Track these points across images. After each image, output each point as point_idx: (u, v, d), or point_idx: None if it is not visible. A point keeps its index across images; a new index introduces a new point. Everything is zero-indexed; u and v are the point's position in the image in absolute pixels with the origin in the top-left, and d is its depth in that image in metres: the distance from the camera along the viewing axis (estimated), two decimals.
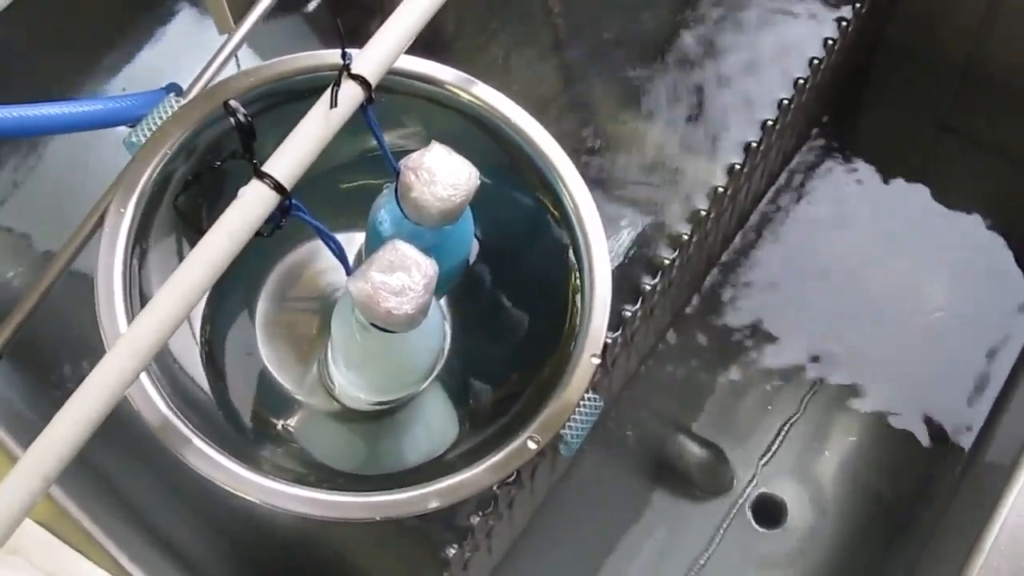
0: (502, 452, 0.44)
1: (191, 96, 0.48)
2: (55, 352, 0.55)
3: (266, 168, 0.38)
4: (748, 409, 0.72)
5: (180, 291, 0.36)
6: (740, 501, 0.70)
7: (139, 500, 0.46)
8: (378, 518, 0.42)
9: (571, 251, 0.49)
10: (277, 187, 0.38)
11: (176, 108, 0.48)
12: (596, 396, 0.46)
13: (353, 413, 0.51)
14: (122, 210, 0.45)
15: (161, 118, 0.48)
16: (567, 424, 0.45)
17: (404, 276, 0.41)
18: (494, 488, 0.46)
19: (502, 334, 0.51)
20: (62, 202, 0.61)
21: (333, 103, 0.39)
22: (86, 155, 0.62)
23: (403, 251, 0.41)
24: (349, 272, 0.42)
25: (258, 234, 0.39)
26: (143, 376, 0.43)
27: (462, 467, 0.43)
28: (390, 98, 0.51)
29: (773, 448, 0.71)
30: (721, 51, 0.61)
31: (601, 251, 0.48)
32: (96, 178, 0.52)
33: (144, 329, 0.35)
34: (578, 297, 0.48)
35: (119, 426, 0.39)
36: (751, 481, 0.70)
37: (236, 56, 0.51)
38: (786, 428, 0.71)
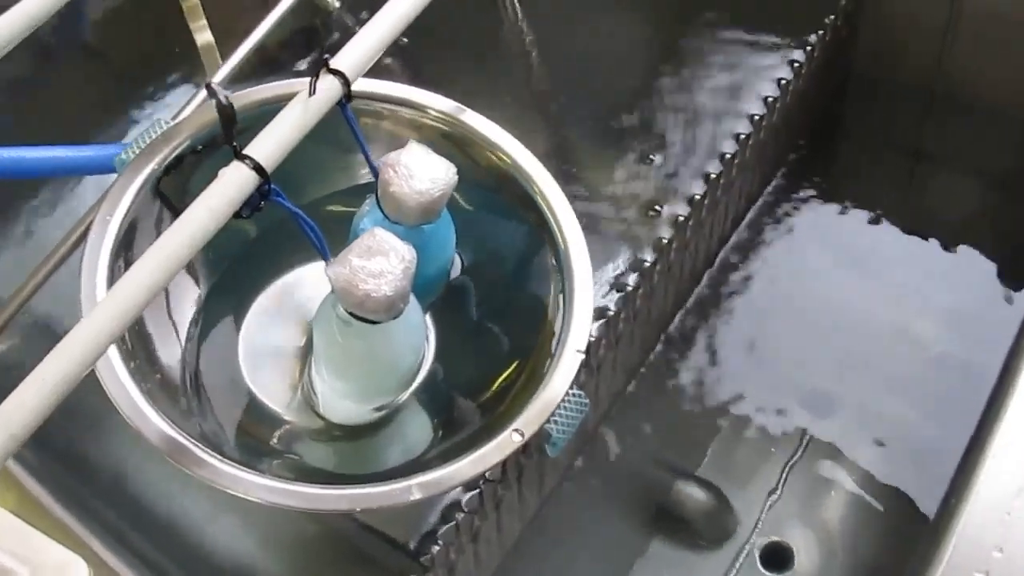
0: (486, 446, 0.43)
1: (180, 118, 0.50)
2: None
3: (247, 151, 0.40)
4: (747, 451, 0.70)
5: (159, 260, 0.36)
6: (746, 547, 0.68)
7: (108, 490, 0.45)
8: (358, 509, 0.41)
9: (551, 255, 0.50)
10: (257, 168, 0.39)
11: (165, 128, 0.50)
12: (582, 392, 0.45)
13: (335, 432, 0.50)
14: (108, 218, 0.46)
15: (151, 137, 0.50)
16: (552, 419, 0.44)
17: (383, 260, 0.42)
18: (479, 485, 0.45)
19: (484, 342, 0.51)
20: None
21: (311, 91, 0.41)
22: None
23: (381, 237, 0.42)
24: (327, 258, 0.42)
25: (237, 215, 0.39)
26: (134, 390, 0.43)
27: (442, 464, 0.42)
28: (376, 123, 0.53)
29: (777, 491, 0.69)
30: (683, 89, 0.64)
31: (580, 249, 0.48)
32: None
33: (121, 295, 0.35)
34: (561, 297, 0.48)
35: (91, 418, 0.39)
36: (756, 526, 0.68)
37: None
38: (787, 470, 0.70)
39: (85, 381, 0.40)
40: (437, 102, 0.53)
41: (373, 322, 0.42)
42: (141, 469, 0.46)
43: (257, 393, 0.51)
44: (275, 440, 0.50)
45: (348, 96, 0.43)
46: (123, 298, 0.35)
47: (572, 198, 0.49)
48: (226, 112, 0.39)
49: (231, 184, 0.38)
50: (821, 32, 0.62)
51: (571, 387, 0.45)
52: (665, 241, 0.54)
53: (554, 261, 0.49)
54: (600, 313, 0.52)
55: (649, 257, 0.53)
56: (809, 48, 0.62)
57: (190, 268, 0.52)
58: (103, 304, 0.35)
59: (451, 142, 0.52)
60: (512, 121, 0.51)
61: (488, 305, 0.51)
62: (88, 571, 0.33)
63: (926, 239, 0.76)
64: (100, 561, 0.38)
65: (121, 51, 0.75)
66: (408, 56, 0.66)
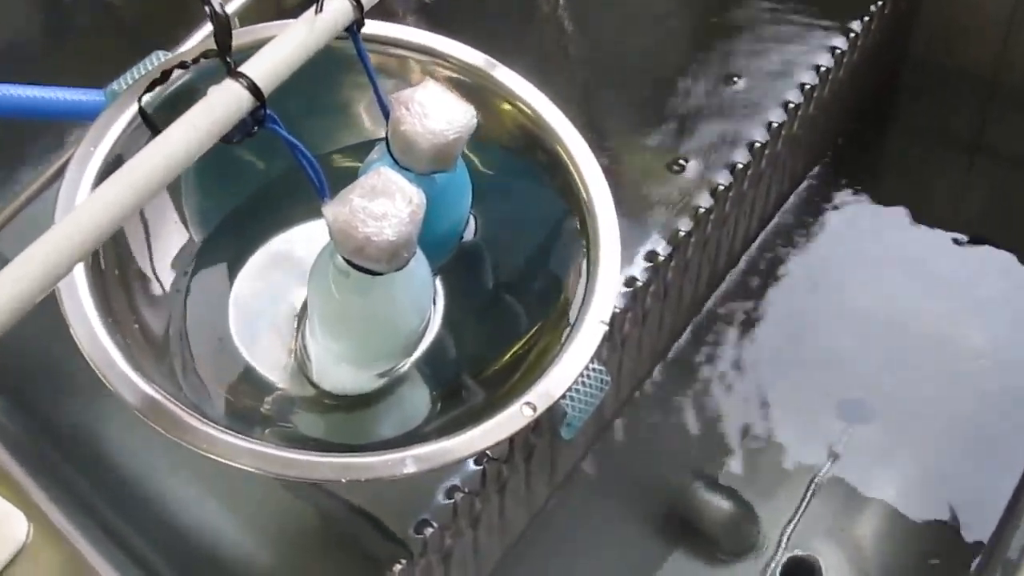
0: (493, 418, 0.38)
1: (180, 50, 0.47)
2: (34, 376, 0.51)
3: (242, 69, 0.36)
4: (775, 458, 0.65)
5: (131, 178, 0.32)
6: (770, 564, 0.63)
7: (71, 450, 0.41)
8: (344, 480, 0.36)
9: (576, 220, 0.45)
10: (252, 89, 0.35)
11: (162, 60, 0.46)
12: (603, 368, 0.41)
13: (327, 400, 0.46)
14: (92, 149, 0.42)
15: (146, 69, 0.46)
16: (568, 394, 0.39)
17: (387, 202, 0.37)
18: (483, 463, 0.40)
19: (498, 311, 0.46)
20: None
21: (319, 8, 0.37)
22: None
23: (388, 176, 0.38)
24: (325, 195, 0.38)
25: (227, 140, 0.35)
26: (107, 341, 0.39)
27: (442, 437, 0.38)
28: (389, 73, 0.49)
29: (804, 504, 0.64)
30: (728, 56, 0.60)
31: (608, 214, 0.44)
32: None
33: (89, 211, 0.31)
34: (584, 264, 0.44)
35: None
36: (781, 541, 0.63)
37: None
38: (818, 482, 0.64)
39: (57, 334, 0.37)
40: (467, 54, 0.49)
41: (374, 273, 0.38)
42: (112, 429, 0.42)
43: (246, 355, 0.47)
44: (264, 407, 0.46)
45: (360, 22, 0.39)
46: (90, 216, 0.31)
47: (603, 162, 0.45)
48: (220, 23, 0.35)
49: (220, 102, 0.34)
50: (880, 3, 0.57)
51: (591, 361, 0.40)
52: (703, 211, 0.49)
53: (579, 225, 0.45)
54: (628, 283, 0.48)
55: (684, 227, 0.49)
56: (867, 19, 0.57)
57: (183, 213, 0.48)
58: (63, 222, 0.30)
59: (473, 98, 0.48)
60: (542, 84, 0.47)
61: (504, 271, 0.47)
62: (28, 526, 0.28)
63: (979, 241, 0.71)
64: (46, 519, 0.33)
65: (136, 8, 0.72)
66: (432, 16, 0.63)
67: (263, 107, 0.36)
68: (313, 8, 0.37)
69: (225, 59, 0.35)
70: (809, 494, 0.64)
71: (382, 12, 0.47)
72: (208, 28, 0.51)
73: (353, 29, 0.39)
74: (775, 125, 0.55)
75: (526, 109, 0.48)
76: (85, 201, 0.31)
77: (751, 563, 0.62)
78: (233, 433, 0.37)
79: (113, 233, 0.32)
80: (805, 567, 0.62)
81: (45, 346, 0.36)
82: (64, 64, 0.65)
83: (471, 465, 0.42)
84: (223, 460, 0.35)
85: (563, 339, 0.41)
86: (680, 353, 0.65)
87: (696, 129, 0.57)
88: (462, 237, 0.47)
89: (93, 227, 0.31)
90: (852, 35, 0.58)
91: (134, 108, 0.44)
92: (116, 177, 0.32)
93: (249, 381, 0.46)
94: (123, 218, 0.31)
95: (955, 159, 0.74)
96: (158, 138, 0.33)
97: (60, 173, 0.42)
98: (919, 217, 0.73)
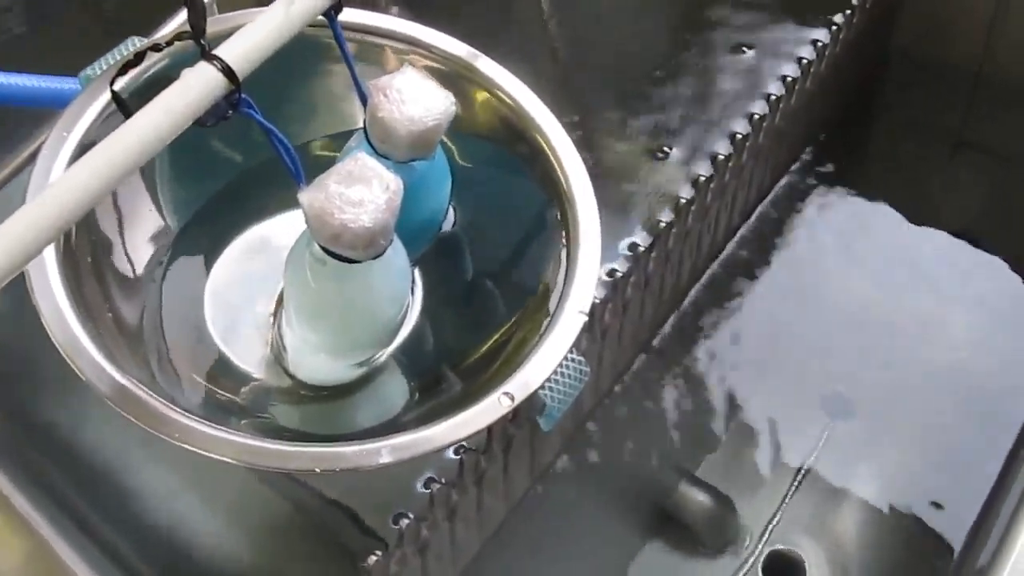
0: (470, 409, 0.38)
1: (156, 36, 0.46)
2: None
3: (217, 52, 0.35)
4: (756, 455, 0.65)
5: (105, 156, 0.31)
6: (750, 558, 0.62)
7: (43, 439, 0.40)
8: (318, 470, 0.36)
9: (556, 210, 0.45)
10: (226, 72, 0.35)
11: (138, 47, 0.45)
12: (583, 359, 0.40)
13: (303, 391, 0.45)
14: (65, 134, 0.42)
15: (122, 55, 0.45)
16: (547, 384, 0.39)
17: (364, 189, 0.37)
18: (460, 453, 0.40)
19: (477, 301, 0.46)
20: None
21: None
22: None
23: (365, 162, 0.37)
24: (300, 180, 0.37)
25: (200, 123, 0.35)
26: (77, 327, 0.38)
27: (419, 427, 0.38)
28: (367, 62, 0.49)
29: (786, 499, 0.64)
30: (710, 45, 0.60)
31: (588, 203, 0.43)
32: None
33: (61, 189, 0.30)
34: (564, 253, 0.43)
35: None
36: (762, 536, 0.63)
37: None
38: (800, 477, 0.64)
39: (27, 322, 0.36)
40: (448, 44, 0.48)
41: (351, 261, 0.38)
42: (83, 419, 0.41)
43: (222, 346, 0.46)
44: (240, 398, 0.45)
45: (338, 7, 0.39)
46: (60, 194, 0.30)
47: (584, 151, 0.44)
48: (195, 5, 0.34)
49: (194, 86, 0.34)
50: None
51: (571, 352, 0.40)
52: (684, 201, 0.49)
53: (559, 215, 0.45)
54: (608, 274, 0.47)
55: (665, 218, 0.48)
56: (848, 12, 0.57)
57: (158, 203, 0.47)
58: (34, 201, 0.30)
59: (454, 88, 0.48)
60: (524, 74, 0.47)
61: (483, 261, 0.46)
62: None
63: (963, 235, 0.71)
64: (12, 508, 0.33)
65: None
66: (413, 4, 0.62)
67: (238, 91, 0.35)
68: None
69: (199, 41, 0.35)
70: (791, 488, 0.64)
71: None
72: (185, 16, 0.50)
73: (331, 14, 0.39)
74: (757, 117, 0.55)
75: (507, 99, 0.47)
76: (58, 180, 0.31)
77: (732, 557, 0.62)
78: (207, 423, 0.36)
79: (85, 214, 0.31)
80: (786, 562, 0.62)
81: (15, 334, 0.36)
82: (43, 53, 0.64)
83: (448, 456, 0.41)
84: (195, 450, 0.35)
85: (542, 329, 0.40)
86: (661, 345, 0.64)
87: (678, 119, 0.57)
88: (441, 227, 0.47)
89: (64, 206, 0.30)
90: (834, 28, 0.58)
91: (108, 93, 0.44)
92: (88, 157, 0.31)
93: (225, 371, 0.46)
94: (96, 198, 0.31)
95: (939, 153, 0.74)
96: (131, 119, 0.32)
97: (33, 159, 0.42)
98: (902, 210, 0.73)
